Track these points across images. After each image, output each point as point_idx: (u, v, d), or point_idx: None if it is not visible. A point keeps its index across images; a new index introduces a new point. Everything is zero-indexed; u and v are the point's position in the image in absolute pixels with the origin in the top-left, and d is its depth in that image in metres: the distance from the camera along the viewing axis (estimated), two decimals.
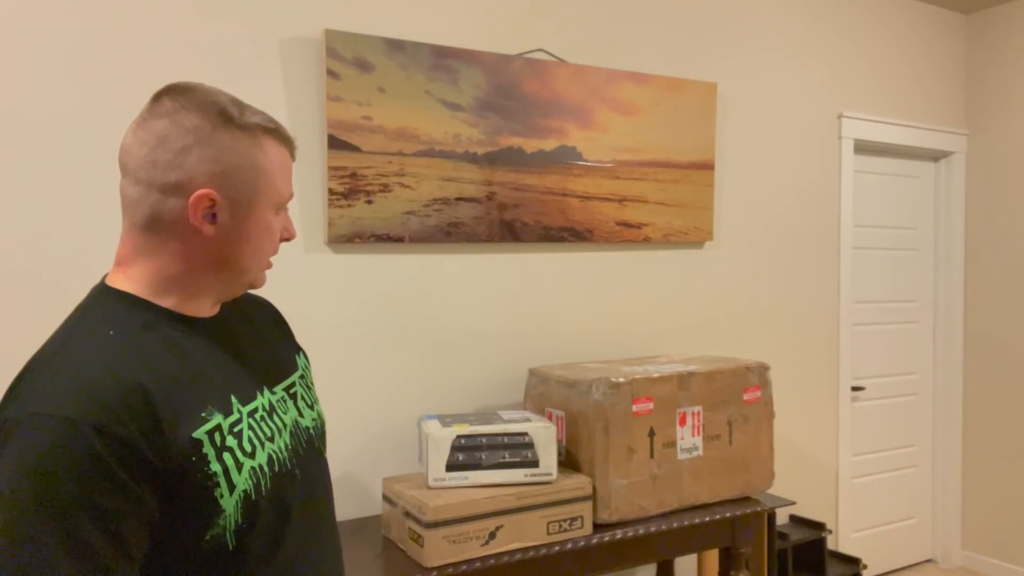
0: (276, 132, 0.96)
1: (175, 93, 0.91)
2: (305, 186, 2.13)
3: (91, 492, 0.76)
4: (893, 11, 3.49)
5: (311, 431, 1.05)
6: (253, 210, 0.94)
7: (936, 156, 3.78)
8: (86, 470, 0.76)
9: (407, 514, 1.86)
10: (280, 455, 0.94)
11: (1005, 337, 3.64)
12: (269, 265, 1.01)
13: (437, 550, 1.77)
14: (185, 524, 0.84)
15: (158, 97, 0.92)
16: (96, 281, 1.86)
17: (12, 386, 0.83)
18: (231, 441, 0.88)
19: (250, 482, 0.88)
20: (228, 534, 0.86)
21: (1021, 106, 3.59)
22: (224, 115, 0.91)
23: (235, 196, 0.92)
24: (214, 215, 0.91)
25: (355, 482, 2.23)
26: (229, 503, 0.86)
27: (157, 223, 0.90)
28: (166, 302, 0.93)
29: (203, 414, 0.87)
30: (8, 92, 1.78)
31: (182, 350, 0.90)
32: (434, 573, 1.76)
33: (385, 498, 1.98)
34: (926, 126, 3.60)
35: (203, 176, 0.89)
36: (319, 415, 1.09)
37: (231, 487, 0.86)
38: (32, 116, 1.81)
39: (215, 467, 0.85)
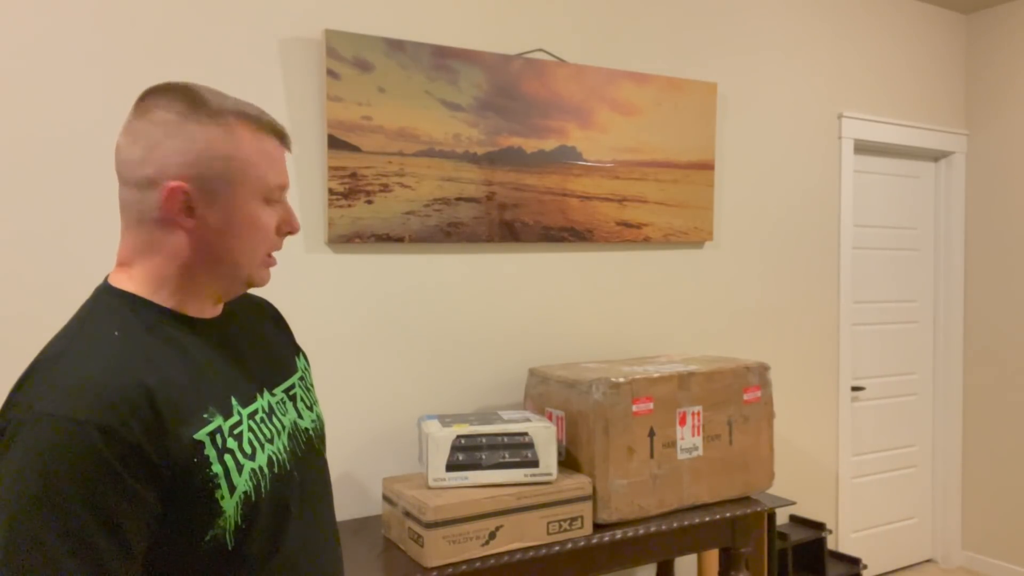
0: (252, 118, 0.93)
1: (154, 92, 0.92)
2: (305, 186, 2.13)
3: (95, 492, 0.77)
4: (893, 11, 3.49)
5: (310, 432, 1.05)
6: (233, 201, 0.92)
7: (936, 156, 3.78)
8: (90, 470, 0.77)
9: (407, 514, 1.86)
10: (279, 456, 0.95)
11: (1005, 337, 3.64)
12: (270, 262, 0.99)
13: (437, 550, 1.77)
14: (186, 524, 0.84)
15: (141, 98, 0.93)
16: (99, 281, 1.87)
17: (17, 386, 0.84)
18: (232, 443, 0.88)
19: (250, 483, 0.89)
20: (227, 535, 0.87)
21: (1021, 106, 3.59)
22: (194, 105, 0.90)
23: (209, 187, 0.90)
24: (192, 208, 0.90)
25: (355, 482, 2.23)
26: (230, 504, 0.86)
27: (144, 221, 0.91)
28: (167, 302, 0.93)
29: (205, 415, 0.87)
30: (8, 94, 1.78)
31: (184, 351, 0.91)
32: (434, 573, 1.76)
33: (385, 498, 1.98)
34: (926, 126, 3.60)
35: (173, 168, 0.89)
36: (318, 416, 1.10)
37: (232, 488, 0.87)
38: (31, 118, 1.81)
39: (216, 468, 0.86)
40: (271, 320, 1.14)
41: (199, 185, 0.90)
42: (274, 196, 0.96)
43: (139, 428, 0.80)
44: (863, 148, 3.49)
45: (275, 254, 2.06)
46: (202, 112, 0.90)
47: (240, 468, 0.88)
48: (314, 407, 1.10)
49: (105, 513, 0.77)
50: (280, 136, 0.97)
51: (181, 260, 0.92)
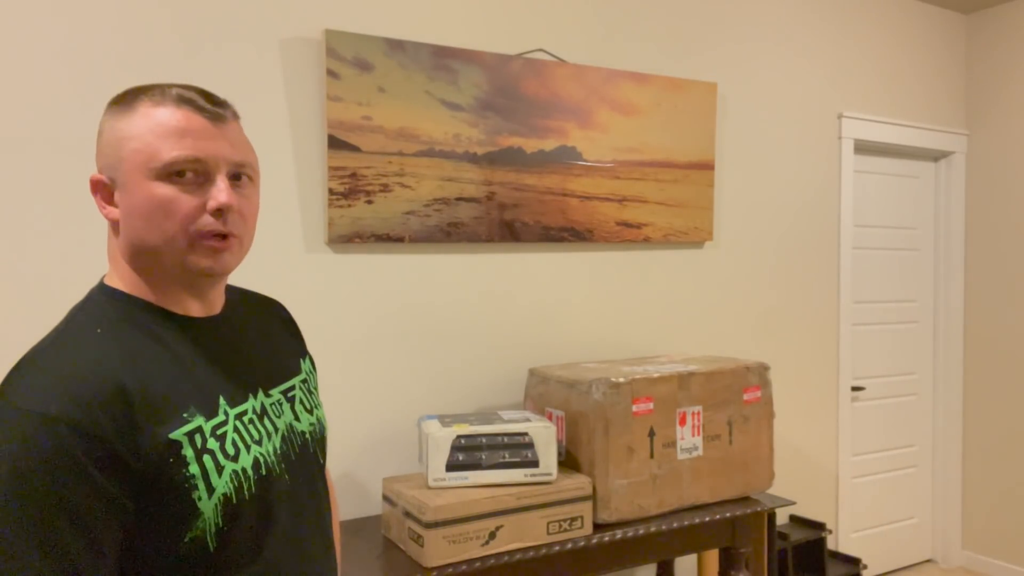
0: (156, 93, 0.89)
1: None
2: (305, 186, 2.13)
3: (63, 488, 0.76)
4: (893, 11, 3.49)
5: (307, 436, 1.03)
6: (130, 180, 0.88)
7: (936, 156, 3.78)
8: (58, 467, 0.77)
9: (407, 514, 1.86)
10: (268, 459, 0.93)
11: (1005, 337, 3.64)
12: (206, 244, 0.89)
13: (437, 550, 1.77)
14: (163, 525, 0.83)
15: None
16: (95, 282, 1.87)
17: (3, 381, 0.84)
18: (212, 443, 0.87)
19: (231, 485, 0.87)
20: (209, 536, 0.86)
21: (1021, 106, 3.59)
22: (117, 99, 0.92)
23: (112, 174, 0.91)
24: (112, 197, 0.92)
25: (355, 482, 2.23)
26: (208, 506, 0.85)
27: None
28: (149, 297, 0.93)
29: (184, 415, 0.86)
30: (7, 95, 1.78)
31: (171, 350, 0.90)
32: (434, 573, 1.76)
33: (385, 498, 1.98)
34: (926, 126, 3.60)
35: (97, 163, 0.93)
36: (319, 420, 1.08)
37: (210, 490, 0.85)
38: (32, 118, 1.81)
39: (193, 469, 0.84)
40: (280, 321, 1.13)
41: (109, 174, 0.91)
42: (177, 171, 0.88)
43: (111, 426, 0.80)
44: (863, 148, 3.49)
45: (273, 253, 2.07)
46: (119, 103, 0.92)
47: (220, 469, 0.87)
48: (315, 411, 1.08)
49: (74, 510, 0.77)
50: (195, 106, 0.89)
51: (123, 252, 0.93)
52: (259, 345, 1.03)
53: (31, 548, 0.75)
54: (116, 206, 0.91)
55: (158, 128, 0.88)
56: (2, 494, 0.75)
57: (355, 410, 2.22)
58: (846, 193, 3.34)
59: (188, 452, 0.85)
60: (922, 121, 3.62)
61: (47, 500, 0.76)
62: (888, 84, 3.49)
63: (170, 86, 0.91)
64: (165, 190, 0.87)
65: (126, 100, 0.91)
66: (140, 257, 0.91)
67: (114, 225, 0.93)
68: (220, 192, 0.88)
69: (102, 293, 0.93)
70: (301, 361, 1.11)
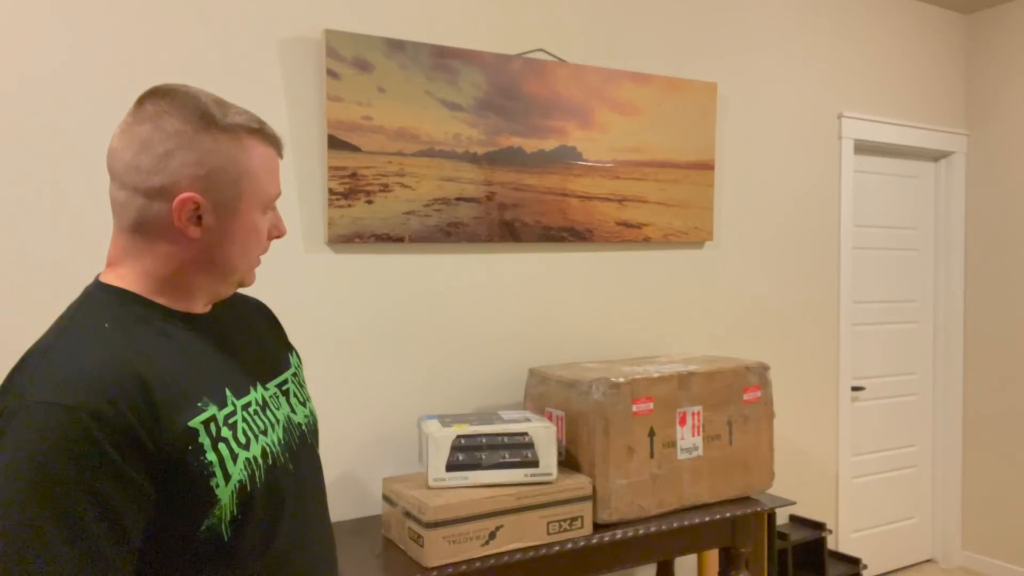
0: (260, 132, 0.96)
1: (157, 96, 0.92)
2: (305, 186, 2.13)
3: (89, 478, 0.77)
4: (893, 11, 3.49)
5: (303, 427, 1.06)
6: (239, 211, 0.95)
7: (936, 156, 3.78)
8: (84, 457, 0.77)
9: (407, 514, 1.86)
10: (274, 449, 0.96)
11: (1005, 337, 3.64)
12: (258, 263, 1.03)
13: (437, 550, 1.77)
14: (181, 513, 0.85)
15: (141, 101, 0.92)
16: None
17: (7, 378, 0.84)
18: (226, 432, 0.89)
19: (245, 473, 0.89)
20: (223, 525, 0.87)
21: (1021, 106, 3.59)
22: (206, 117, 0.91)
23: (219, 198, 0.92)
24: (199, 217, 0.92)
25: (355, 482, 2.23)
26: (225, 493, 0.87)
27: (144, 226, 0.92)
28: (157, 299, 0.94)
29: (199, 404, 0.88)
30: (5, 95, 1.78)
31: (176, 343, 0.91)
32: (434, 573, 1.76)
33: (385, 498, 1.98)
34: (926, 126, 3.60)
35: (186, 179, 0.90)
36: (311, 412, 1.11)
37: (227, 477, 0.87)
38: (31, 118, 1.81)
39: (211, 456, 0.86)
40: (264, 318, 1.16)
41: (210, 196, 0.92)
42: (271, 205, 1.00)
43: (132, 415, 0.81)
44: (863, 148, 3.49)
45: (273, 253, 2.08)
46: (214, 124, 0.92)
47: (235, 457, 0.89)
48: (307, 403, 1.11)
49: (100, 499, 0.78)
50: (279, 146, 1.01)
51: (178, 263, 0.93)
52: (250, 341, 1.06)
53: (59, 538, 0.75)
54: (200, 225, 0.92)
55: (268, 167, 0.98)
56: (28, 485, 0.75)
57: (355, 410, 2.22)
58: (846, 193, 3.34)
59: (205, 440, 0.86)
60: (922, 121, 3.62)
61: (71, 487, 0.76)
62: (888, 84, 3.49)
63: (253, 116, 0.97)
64: (260, 220, 0.99)
65: (222, 127, 0.92)
66: (204, 271, 0.95)
67: (170, 239, 0.92)
68: (283, 224, 1.03)
69: (101, 291, 0.93)
70: (290, 355, 1.14)
